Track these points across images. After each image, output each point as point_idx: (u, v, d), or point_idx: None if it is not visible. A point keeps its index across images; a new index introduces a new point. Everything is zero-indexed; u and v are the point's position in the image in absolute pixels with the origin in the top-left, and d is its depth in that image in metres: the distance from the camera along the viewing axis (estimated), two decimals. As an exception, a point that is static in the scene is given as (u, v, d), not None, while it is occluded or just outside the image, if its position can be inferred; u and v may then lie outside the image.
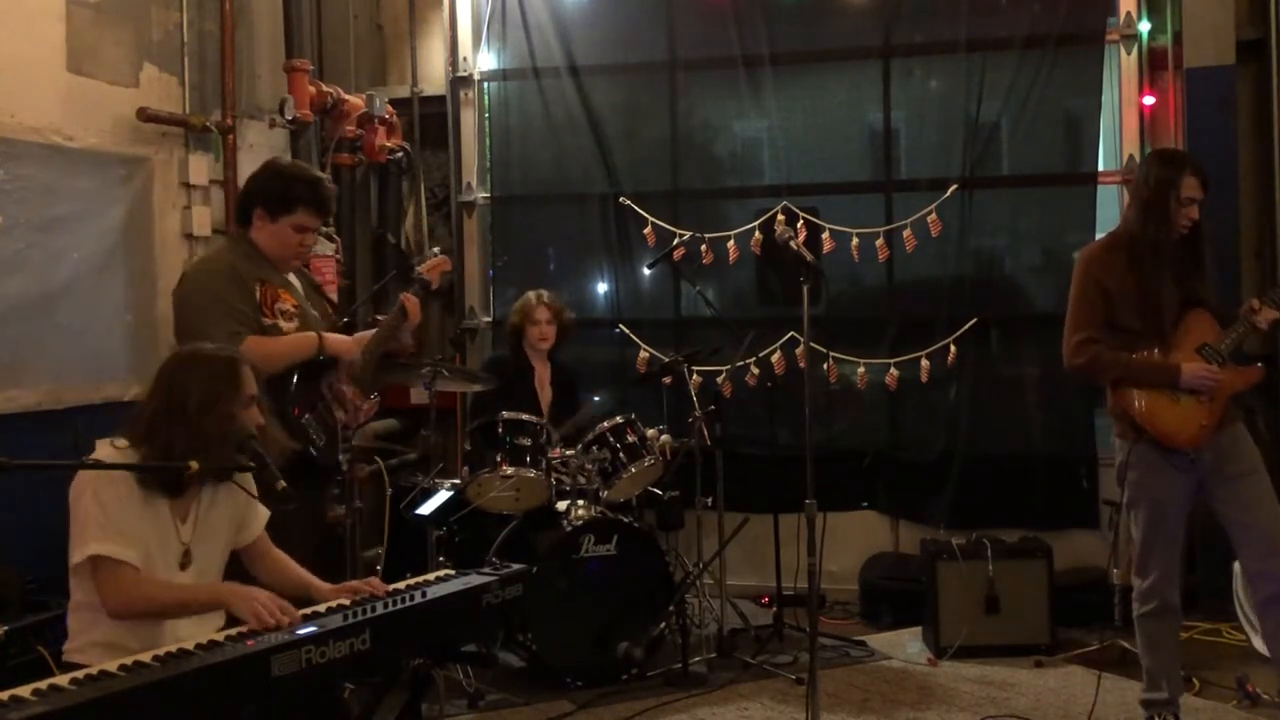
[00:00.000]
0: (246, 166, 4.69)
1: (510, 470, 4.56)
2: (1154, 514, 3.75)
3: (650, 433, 4.85)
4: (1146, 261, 3.69)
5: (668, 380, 5.43)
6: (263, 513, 2.95)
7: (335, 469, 3.72)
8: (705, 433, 4.87)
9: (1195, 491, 3.75)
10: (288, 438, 3.41)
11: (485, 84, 6.28)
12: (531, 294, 5.25)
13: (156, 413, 2.70)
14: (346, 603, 2.67)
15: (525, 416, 4.75)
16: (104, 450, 2.68)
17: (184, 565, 2.74)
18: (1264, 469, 3.72)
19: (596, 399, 5.66)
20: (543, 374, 5.24)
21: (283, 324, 3.52)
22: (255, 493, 2.84)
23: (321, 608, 2.63)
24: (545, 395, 5.20)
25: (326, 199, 3.65)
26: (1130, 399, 3.72)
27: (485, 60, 6.26)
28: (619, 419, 4.79)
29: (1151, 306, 3.69)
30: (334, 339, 3.64)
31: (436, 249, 4.61)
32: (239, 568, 2.95)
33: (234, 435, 2.71)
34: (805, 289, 3.54)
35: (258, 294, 3.49)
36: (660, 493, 5.06)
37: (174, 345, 3.46)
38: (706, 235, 5.81)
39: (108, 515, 2.58)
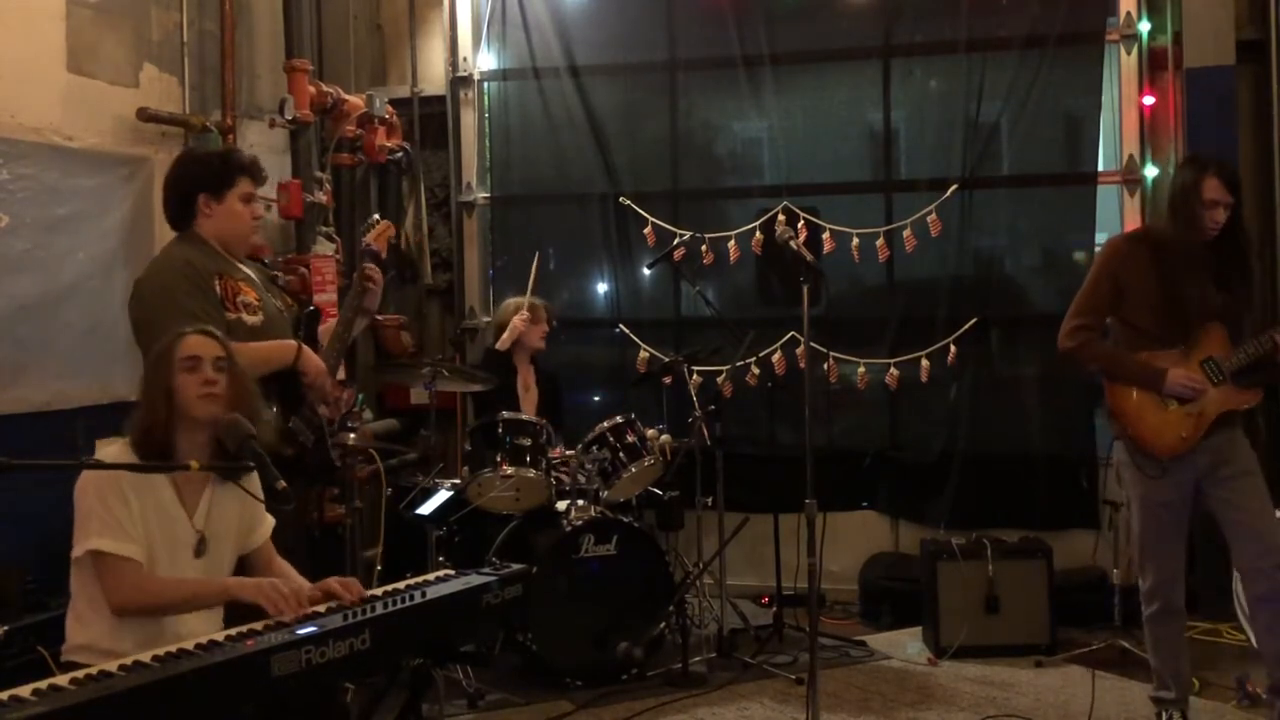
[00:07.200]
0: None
1: (510, 470, 4.56)
2: (1145, 513, 3.76)
3: (650, 433, 4.85)
4: (1171, 264, 3.65)
5: (668, 380, 5.43)
6: (269, 519, 2.95)
7: (329, 467, 3.65)
8: (705, 433, 4.88)
9: (1192, 493, 3.73)
10: (278, 441, 3.33)
11: (485, 84, 6.29)
12: (513, 300, 5.30)
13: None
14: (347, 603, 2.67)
15: (525, 416, 4.76)
16: (105, 449, 2.70)
17: (199, 553, 2.76)
18: (1259, 471, 3.71)
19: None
20: (526, 376, 5.25)
21: (246, 318, 3.40)
22: (260, 496, 2.84)
23: (321, 608, 2.63)
24: (529, 397, 5.21)
25: (256, 163, 3.62)
26: (1122, 396, 3.72)
27: (485, 60, 6.27)
28: (619, 419, 4.79)
29: (1170, 310, 3.65)
30: (309, 355, 3.51)
31: (376, 215, 4.43)
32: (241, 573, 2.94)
33: (183, 408, 2.72)
34: (805, 289, 3.54)
35: (218, 288, 3.38)
36: (660, 493, 5.05)
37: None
38: (706, 235, 5.81)
39: (109, 512, 2.61)
